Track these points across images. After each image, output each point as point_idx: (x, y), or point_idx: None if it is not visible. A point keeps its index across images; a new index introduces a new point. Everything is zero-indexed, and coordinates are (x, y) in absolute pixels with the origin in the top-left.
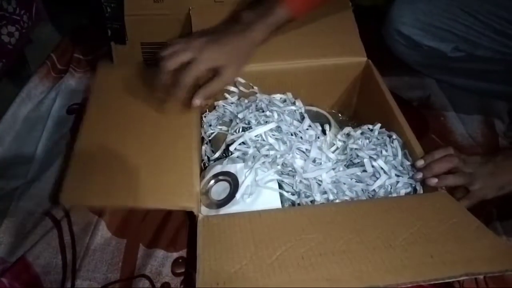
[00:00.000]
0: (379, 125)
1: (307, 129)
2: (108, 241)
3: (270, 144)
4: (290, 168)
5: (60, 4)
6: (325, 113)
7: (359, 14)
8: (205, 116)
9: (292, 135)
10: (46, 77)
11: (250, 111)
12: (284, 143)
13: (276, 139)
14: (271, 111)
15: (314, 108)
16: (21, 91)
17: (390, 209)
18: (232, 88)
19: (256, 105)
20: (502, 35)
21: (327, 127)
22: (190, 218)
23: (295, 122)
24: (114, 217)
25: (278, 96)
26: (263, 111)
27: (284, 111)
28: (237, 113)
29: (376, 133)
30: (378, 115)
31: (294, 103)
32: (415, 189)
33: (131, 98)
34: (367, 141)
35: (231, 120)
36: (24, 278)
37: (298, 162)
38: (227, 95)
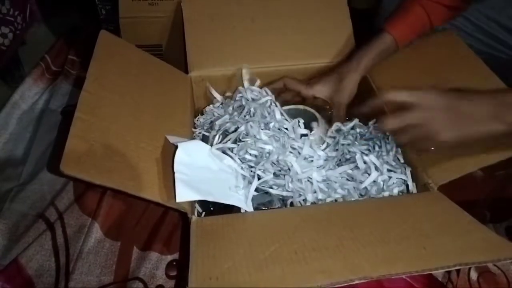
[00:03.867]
0: (374, 120)
1: (299, 125)
2: (102, 244)
3: (265, 142)
4: (283, 165)
5: (54, 5)
6: (312, 110)
7: (353, 17)
8: (197, 120)
9: (279, 129)
10: (40, 79)
11: (233, 114)
12: (277, 140)
13: (268, 136)
14: (255, 108)
15: (301, 106)
16: (15, 92)
17: (383, 207)
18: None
19: (238, 106)
20: (491, 37)
21: (314, 124)
22: (184, 220)
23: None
24: (108, 219)
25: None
26: (249, 113)
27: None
28: (220, 117)
29: (371, 128)
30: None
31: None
32: (407, 186)
33: (133, 83)
34: (359, 134)
35: None
36: (16, 281)
37: (291, 160)
38: (215, 95)
